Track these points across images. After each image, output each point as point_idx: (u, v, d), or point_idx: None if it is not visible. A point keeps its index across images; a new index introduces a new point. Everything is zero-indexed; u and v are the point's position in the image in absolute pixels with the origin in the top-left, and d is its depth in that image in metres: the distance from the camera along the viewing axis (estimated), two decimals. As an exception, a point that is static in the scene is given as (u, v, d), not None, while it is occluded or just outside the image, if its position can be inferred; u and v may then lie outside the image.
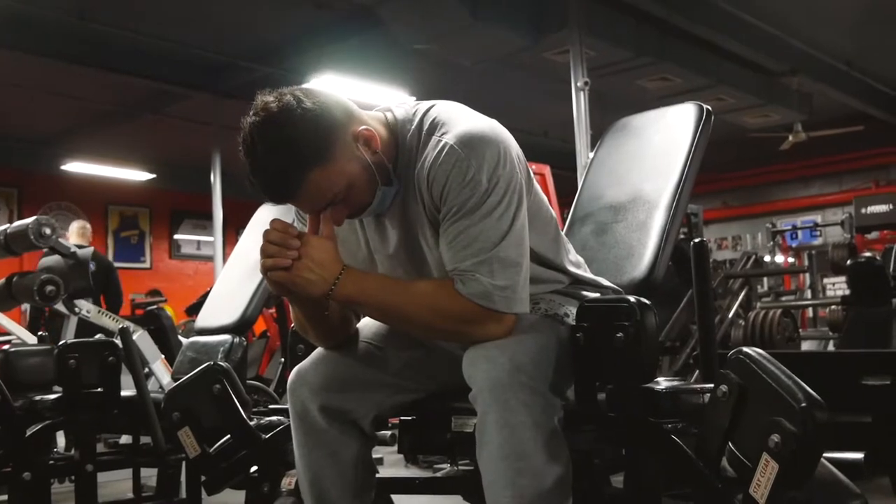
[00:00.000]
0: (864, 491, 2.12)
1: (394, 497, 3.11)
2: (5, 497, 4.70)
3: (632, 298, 2.29)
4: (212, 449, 3.03)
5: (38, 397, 4.31)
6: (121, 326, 4.69)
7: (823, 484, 2.07)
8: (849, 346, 6.93)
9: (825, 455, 2.00)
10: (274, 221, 2.32)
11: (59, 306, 5.65)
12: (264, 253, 2.30)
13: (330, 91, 2.37)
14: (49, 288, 5.33)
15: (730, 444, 2.03)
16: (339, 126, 2.29)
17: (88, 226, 9.51)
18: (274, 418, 3.18)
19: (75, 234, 9.04)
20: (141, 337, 5.56)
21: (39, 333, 5.99)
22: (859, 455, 2.40)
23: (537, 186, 2.51)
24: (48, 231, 5.23)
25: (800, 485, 1.93)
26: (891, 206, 10.97)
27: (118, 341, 4.16)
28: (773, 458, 1.90)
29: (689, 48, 11.46)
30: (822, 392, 1.91)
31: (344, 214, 2.40)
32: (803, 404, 1.88)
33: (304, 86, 2.35)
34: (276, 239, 2.28)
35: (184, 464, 4.23)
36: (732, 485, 2.03)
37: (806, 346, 11.22)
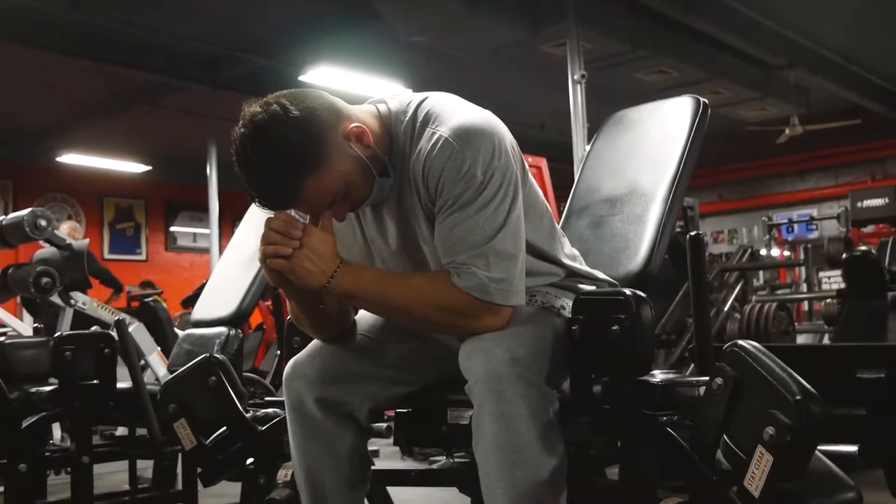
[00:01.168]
0: (858, 483, 2.13)
1: (389, 489, 3.12)
2: (1, 488, 4.70)
3: (627, 291, 2.29)
4: (208, 441, 3.03)
5: (33, 389, 4.30)
6: (117, 318, 4.69)
7: (818, 476, 2.08)
8: (844, 340, 6.94)
9: (820, 448, 2.01)
10: (277, 211, 2.33)
11: (55, 298, 5.65)
12: (266, 240, 2.30)
13: (315, 92, 2.37)
14: (45, 280, 5.33)
15: (724, 436, 2.04)
16: (328, 128, 2.29)
17: (78, 226, 9.50)
18: (270, 410, 3.18)
19: (65, 236, 9.03)
20: (137, 329, 5.56)
21: (35, 325, 6.00)
22: (854, 448, 2.41)
23: (532, 179, 2.50)
24: (43, 223, 5.23)
25: (794, 477, 1.94)
26: (886, 200, 11.00)
27: (114, 333, 4.16)
28: (768, 450, 1.90)
29: (686, 41, 11.47)
30: (817, 385, 1.92)
31: (345, 211, 2.41)
32: (798, 397, 1.88)
33: (291, 89, 2.35)
34: (278, 227, 2.29)
35: (180, 456, 4.23)
36: (727, 477, 2.03)
37: (801, 339, 11.26)
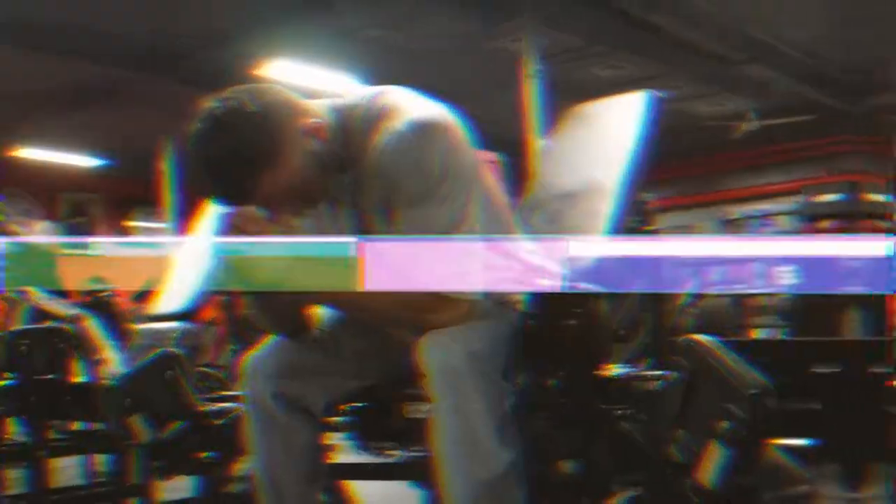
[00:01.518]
0: (812, 477, 2.15)
1: (345, 483, 3.12)
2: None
3: (583, 286, 2.30)
4: (164, 435, 3.02)
5: (-12, 384, 4.28)
6: (71, 313, 4.66)
7: (772, 470, 2.09)
8: (799, 334, 6.99)
9: (774, 442, 2.03)
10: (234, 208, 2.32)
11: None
12: (225, 236, 2.30)
13: (273, 87, 2.36)
14: (-2, 274, 5.31)
15: (679, 430, 2.05)
16: (286, 124, 2.28)
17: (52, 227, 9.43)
18: (226, 404, 3.17)
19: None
20: (91, 324, 5.54)
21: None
22: (808, 442, 2.43)
23: (488, 174, 2.51)
24: (-2, 217, 5.21)
25: (749, 471, 1.95)
26: (841, 196, 11.07)
27: (69, 328, 4.13)
28: (722, 443, 1.92)
29: (643, 36, 11.48)
30: (772, 379, 1.93)
31: (303, 207, 2.40)
32: (752, 391, 1.90)
33: (250, 84, 2.34)
34: (238, 224, 2.29)
35: (136, 450, 4.22)
36: (681, 471, 2.04)
37: (756, 333, 11.32)
